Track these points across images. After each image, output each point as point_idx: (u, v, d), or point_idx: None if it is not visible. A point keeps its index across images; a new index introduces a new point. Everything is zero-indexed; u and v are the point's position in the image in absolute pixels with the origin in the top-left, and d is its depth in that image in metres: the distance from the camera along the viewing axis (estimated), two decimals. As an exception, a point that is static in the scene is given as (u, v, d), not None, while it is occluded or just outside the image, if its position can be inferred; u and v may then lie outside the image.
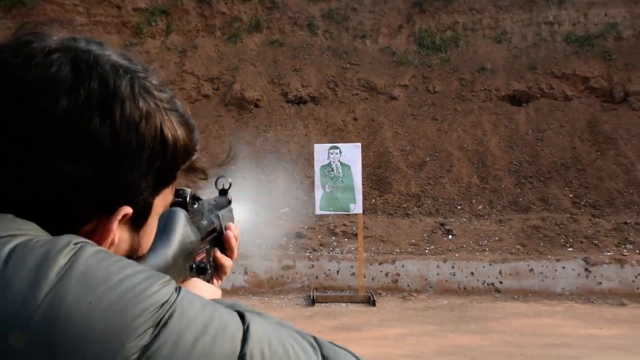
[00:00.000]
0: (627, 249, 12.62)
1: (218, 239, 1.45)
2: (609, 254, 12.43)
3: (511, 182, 15.03)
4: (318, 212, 11.96)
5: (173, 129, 0.96)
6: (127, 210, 0.92)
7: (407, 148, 16.06)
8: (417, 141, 16.22)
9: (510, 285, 12.07)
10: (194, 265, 1.24)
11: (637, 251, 12.51)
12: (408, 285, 12.14)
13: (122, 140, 0.88)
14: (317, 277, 12.21)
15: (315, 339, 0.91)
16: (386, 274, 12.22)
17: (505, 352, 8.41)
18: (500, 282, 12.10)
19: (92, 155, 0.86)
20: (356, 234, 12.02)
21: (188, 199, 1.23)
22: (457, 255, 12.58)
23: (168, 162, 0.96)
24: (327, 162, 11.74)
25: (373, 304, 11.15)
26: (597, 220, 13.58)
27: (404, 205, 14.47)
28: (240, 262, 12.26)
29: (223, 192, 1.61)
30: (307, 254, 12.64)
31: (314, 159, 11.98)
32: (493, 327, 9.80)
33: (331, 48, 18.48)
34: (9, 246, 0.77)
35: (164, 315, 0.76)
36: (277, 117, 16.84)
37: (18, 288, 0.73)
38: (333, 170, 11.72)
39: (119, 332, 0.73)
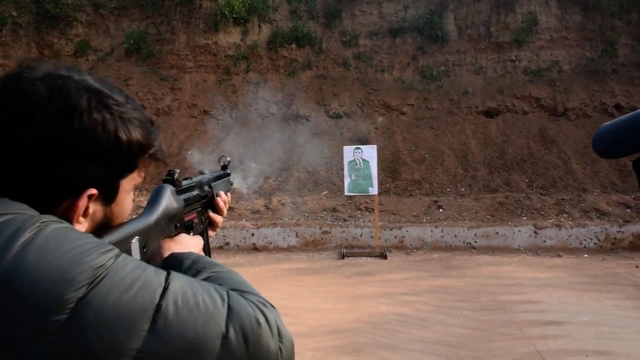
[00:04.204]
0: (563, 217, 12.43)
1: (211, 203, 1.44)
2: (551, 220, 12.24)
3: (485, 172, 14.84)
4: (346, 193, 11.98)
5: (128, 132, 0.94)
6: (92, 191, 0.91)
7: (412, 148, 15.93)
8: (419, 143, 16.09)
9: (482, 243, 11.95)
10: (178, 225, 1.21)
11: (570, 219, 12.31)
12: (410, 244, 12.09)
13: (81, 142, 0.88)
14: (346, 239, 12.18)
15: (228, 293, 0.89)
16: (395, 237, 12.17)
17: (474, 290, 8.35)
18: (475, 242, 11.99)
19: (59, 152, 0.86)
20: (374, 209, 12.00)
21: (176, 176, 1.22)
22: (445, 223, 12.47)
23: (125, 155, 0.95)
24: (352, 158, 11.74)
25: (385, 257, 11.12)
26: (544, 197, 13.37)
27: (409, 188, 14.38)
28: (293, 228, 12.33)
29: (223, 167, 1.60)
30: (340, 223, 12.62)
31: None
32: (468, 273, 9.70)
33: (360, 79, 18.38)
34: None
35: (98, 276, 0.76)
36: (321, 128, 16.81)
37: None
38: (357, 164, 11.70)
39: (60, 286, 0.73)
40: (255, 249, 12.16)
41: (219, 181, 1.51)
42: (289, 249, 12.14)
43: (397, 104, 17.53)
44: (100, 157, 0.91)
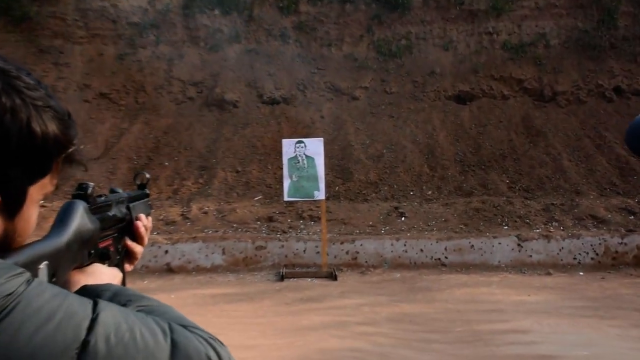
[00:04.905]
0: (553, 226, 12.74)
1: (129, 229, 1.43)
2: (538, 231, 12.54)
3: (456, 170, 15.09)
4: (286, 198, 11.97)
5: (43, 124, 0.91)
6: None
7: (367, 142, 16.06)
8: (375, 136, 16.23)
9: (454, 259, 12.12)
10: (92, 251, 1.19)
11: (562, 228, 12.63)
12: (366, 261, 12.14)
13: None
14: (286, 256, 12.15)
15: (170, 325, 0.88)
16: (347, 252, 12.21)
17: (446, 318, 8.43)
18: (446, 257, 12.15)
19: None
20: (320, 218, 12.02)
21: (90, 191, 1.20)
22: (408, 234, 12.59)
23: (38, 153, 0.92)
24: (293, 154, 11.74)
25: (335, 278, 11.13)
26: (528, 202, 13.69)
27: (363, 192, 14.47)
28: (219, 243, 12.22)
29: (141, 187, 1.60)
30: (278, 235, 12.57)
31: (282, 152, 11.97)
32: (437, 296, 9.81)
33: (301, 55, 18.42)
34: None
35: (7, 306, 0.74)
36: (253, 116, 16.76)
37: None
38: (299, 162, 11.71)
39: None
40: (169, 270, 11.97)
41: (137, 202, 1.50)
42: (214, 269, 12.00)
43: (348, 86, 17.64)
44: (6, 154, 0.87)
